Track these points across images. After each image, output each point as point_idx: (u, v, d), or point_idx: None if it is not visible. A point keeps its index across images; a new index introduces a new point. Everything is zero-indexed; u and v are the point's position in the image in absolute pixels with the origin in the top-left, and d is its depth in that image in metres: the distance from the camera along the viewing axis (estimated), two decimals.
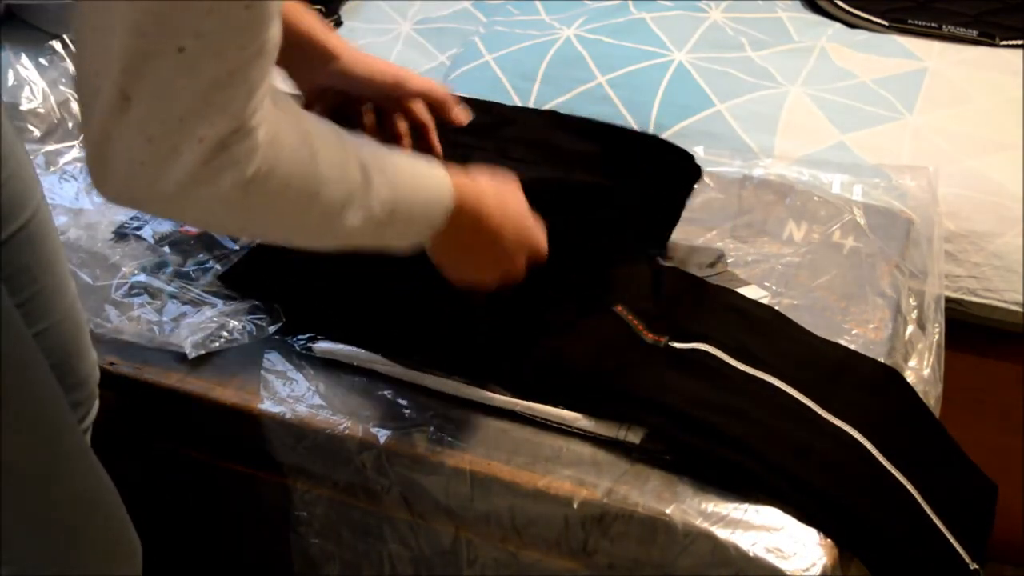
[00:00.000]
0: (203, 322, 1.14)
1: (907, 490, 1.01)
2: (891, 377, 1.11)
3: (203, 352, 1.11)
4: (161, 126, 0.61)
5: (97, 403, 1.06)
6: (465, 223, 0.89)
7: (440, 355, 1.08)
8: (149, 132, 0.61)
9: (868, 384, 1.09)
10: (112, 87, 0.59)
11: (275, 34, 0.63)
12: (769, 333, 1.11)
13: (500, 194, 0.93)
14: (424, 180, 0.85)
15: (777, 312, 1.14)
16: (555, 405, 1.03)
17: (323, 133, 0.74)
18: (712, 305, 1.14)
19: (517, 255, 0.97)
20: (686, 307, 1.14)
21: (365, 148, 0.78)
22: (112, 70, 0.59)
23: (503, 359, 1.07)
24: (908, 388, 1.12)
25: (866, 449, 1.01)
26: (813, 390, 1.04)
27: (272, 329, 1.13)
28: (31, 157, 0.97)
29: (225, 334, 1.12)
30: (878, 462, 1.00)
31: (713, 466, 0.97)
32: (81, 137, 0.64)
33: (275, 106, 0.67)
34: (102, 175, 0.63)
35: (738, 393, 1.03)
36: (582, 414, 1.02)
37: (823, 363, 1.09)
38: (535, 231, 0.98)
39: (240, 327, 1.13)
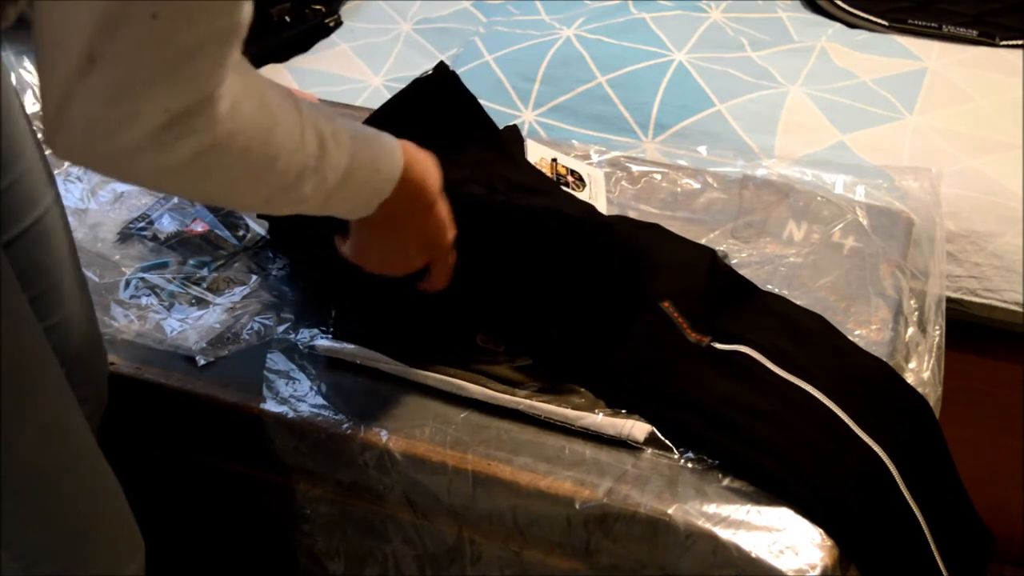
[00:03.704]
0: (210, 326, 1.14)
1: (919, 522, 1.01)
2: (923, 408, 1.11)
3: (212, 359, 1.11)
4: (124, 90, 0.61)
5: (106, 400, 1.07)
6: (409, 192, 0.87)
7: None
8: (111, 94, 0.61)
9: (903, 409, 1.09)
10: (79, 48, 0.59)
11: (247, 12, 0.64)
12: (814, 342, 1.11)
13: (437, 184, 0.92)
14: (378, 150, 0.83)
15: (826, 322, 1.14)
16: (584, 386, 1.05)
17: (281, 102, 0.73)
18: (759, 309, 1.15)
19: (425, 250, 0.95)
20: (733, 309, 1.14)
21: (322, 117, 0.78)
22: (81, 32, 0.59)
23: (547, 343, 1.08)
24: (935, 423, 1.12)
25: (890, 472, 1.01)
26: (850, 404, 1.04)
27: (280, 329, 1.13)
28: None
29: (232, 337, 1.12)
30: (898, 488, 1.01)
31: (733, 465, 0.98)
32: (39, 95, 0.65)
33: (238, 75, 0.67)
34: (58, 132, 0.63)
35: (771, 397, 1.04)
36: (608, 406, 1.03)
37: (865, 378, 1.09)
38: (449, 232, 0.96)
39: (248, 328, 1.14)
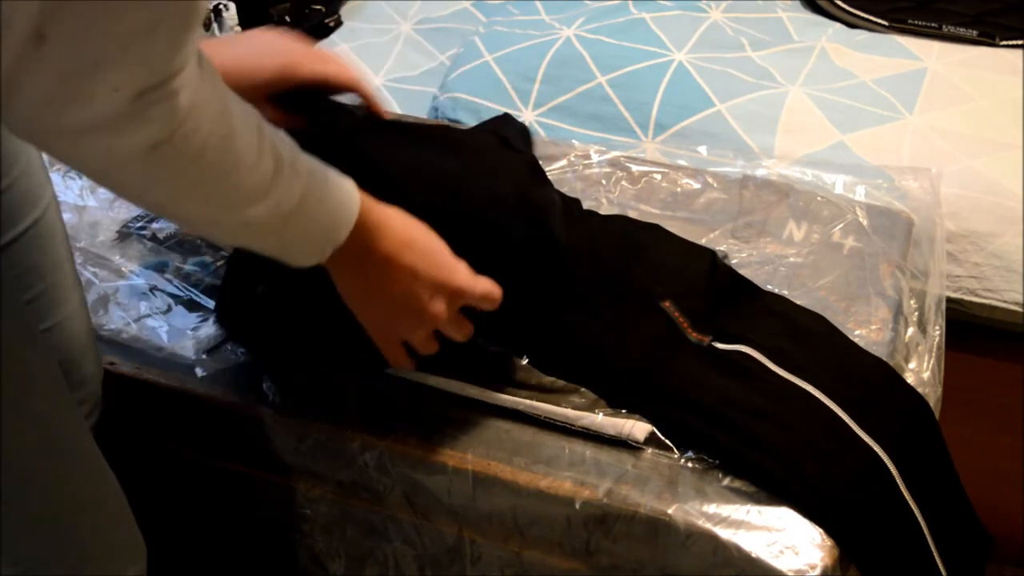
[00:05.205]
0: (210, 334, 1.13)
1: (919, 524, 1.01)
2: (923, 408, 1.11)
3: (212, 371, 1.10)
4: (74, 67, 0.58)
5: (101, 401, 1.06)
6: (367, 242, 0.83)
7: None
8: (62, 71, 0.58)
9: (903, 409, 1.08)
10: (26, 23, 0.57)
11: None
12: (815, 343, 1.11)
13: (407, 225, 0.87)
14: (333, 188, 0.80)
15: (827, 322, 1.14)
16: (586, 386, 1.05)
17: (243, 116, 0.71)
18: (760, 309, 1.15)
19: (431, 293, 0.89)
20: (733, 309, 1.14)
21: (280, 140, 0.75)
22: (29, 7, 0.57)
23: (542, 343, 1.08)
24: (935, 423, 1.12)
25: (891, 473, 1.00)
26: (851, 404, 1.04)
27: None
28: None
29: (232, 347, 1.12)
30: (899, 489, 1.01)
31: (733, 465, 0.98)
32: None
33: (205, 80, 0.65)
34: (8, 106, 0.60)
35: (772, 397, 1.04)
36: (608, 406, 1.03)
37: (866, 379, 1.08)
38: (452, 268, 0.90)
39: None
